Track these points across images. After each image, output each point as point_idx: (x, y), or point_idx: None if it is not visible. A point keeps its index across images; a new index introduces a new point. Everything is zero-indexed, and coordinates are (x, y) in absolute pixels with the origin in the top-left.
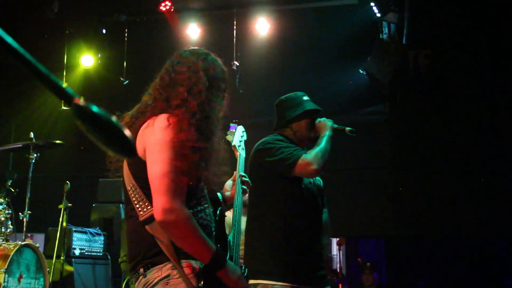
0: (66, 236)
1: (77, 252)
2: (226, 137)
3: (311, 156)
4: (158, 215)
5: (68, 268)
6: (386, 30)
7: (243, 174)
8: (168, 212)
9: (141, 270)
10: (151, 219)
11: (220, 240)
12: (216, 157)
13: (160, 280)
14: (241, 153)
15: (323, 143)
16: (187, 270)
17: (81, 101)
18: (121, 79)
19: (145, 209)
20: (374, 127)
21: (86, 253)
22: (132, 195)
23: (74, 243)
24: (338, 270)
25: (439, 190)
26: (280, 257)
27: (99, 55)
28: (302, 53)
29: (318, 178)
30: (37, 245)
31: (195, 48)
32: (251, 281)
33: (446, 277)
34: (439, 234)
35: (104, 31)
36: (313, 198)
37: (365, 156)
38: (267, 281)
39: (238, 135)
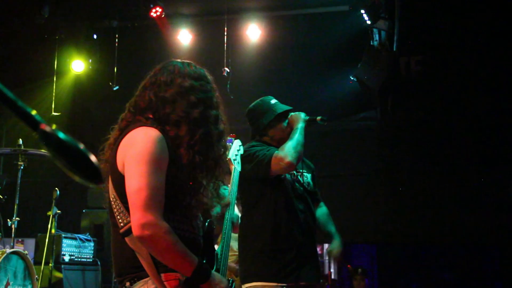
0: (56, 242)
1: (66, 258)
2: None
3: (283, 150)
4: (135, 230)
5: (57, 274)
6: (376, 37)
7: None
8: (145, 227)
9: (128, 283)
10: (130, 231)
11: (207, 253)
12: (211, 170)
13: None
14: (236, 167)
15: (295, 135)
16: (169, 284)
17: (47, 128)
18: (111, 84)
19: (125, 221)
20: (365, 133)
21: (75, 259)
22: (114, 205)
23: (63, 249)
24: (328, 276)
25: (431, 196)
26: (268, 258)
27: (90, 60)
28: (293, 59)
29: (306, 175)
30: (25, 252)
31: (179, 60)
32: (246, 285)
33: (437, 282)
34: (430, 240)
35: (95, 36)
36: (300, 199)
37: (356, 162)
38: (256, 283)
39: (234, 149)
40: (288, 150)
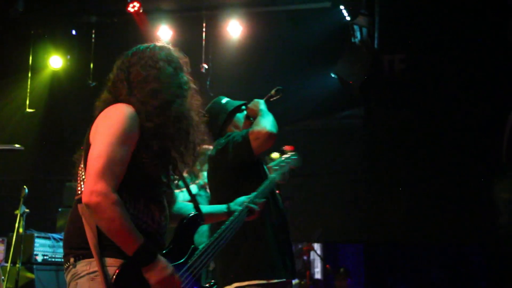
0: (27, 242)
1: (39, 258)
2: (271, 154)
3: (256, 125)
4: (84, 196)
5: (29, 275)
6: (358, 34)
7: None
8: (93, 194)
9: (72, 260)
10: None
11: (178, 245)
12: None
13: (87, 274)
14: (272, 175)
15: (262, 113)
16: (111, 270)
17: None
18: (90, 82)
19: (82, 189)
20: (350, 131)
21: (49, 259)
22: (79, 175)
23: (36, 249)
24: (307, 276)
25: (417, 196)
26: (263, 255)
27: (68, 56)
28: (275, 56)
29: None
30: None
31: (147, 44)
32: (240, 283)
33: (424, 282)
34: (418, 239)
35: (74, 32)
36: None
37: (341, 160)
38: (253, 281)
39: (282, 160)
40: (263, 123)
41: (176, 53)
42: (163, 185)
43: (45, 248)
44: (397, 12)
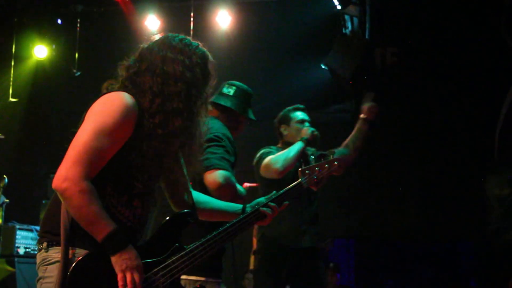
0: (9, 234)
1: (21, 251)
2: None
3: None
4: (54, 180)
5: (9, 268)
6: (348, 24)
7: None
8: (63, 180)
9: (45, 244)
10: None
11: (160, 241)
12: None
13: (57, 261)
14: (301, 179)
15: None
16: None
17: None
18: (74, 70)
19: None
20: (340, 125)
21: (32, 252)
22: None
23: (18, 241)
24: None
25: (408, 192)
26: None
27: (54, 46)
28: (264, 47)
29: None
30: None
31: (181, 37)
32: (187, 276)
33: (413, 278)
34: (408, 236)
35: (59, 21)
36: None
37: None
38: (191, 277)
39: (321, 163)
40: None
41: (207, 60)
42: (151, 182)
43: (27, 240)
44: (388, 2)
